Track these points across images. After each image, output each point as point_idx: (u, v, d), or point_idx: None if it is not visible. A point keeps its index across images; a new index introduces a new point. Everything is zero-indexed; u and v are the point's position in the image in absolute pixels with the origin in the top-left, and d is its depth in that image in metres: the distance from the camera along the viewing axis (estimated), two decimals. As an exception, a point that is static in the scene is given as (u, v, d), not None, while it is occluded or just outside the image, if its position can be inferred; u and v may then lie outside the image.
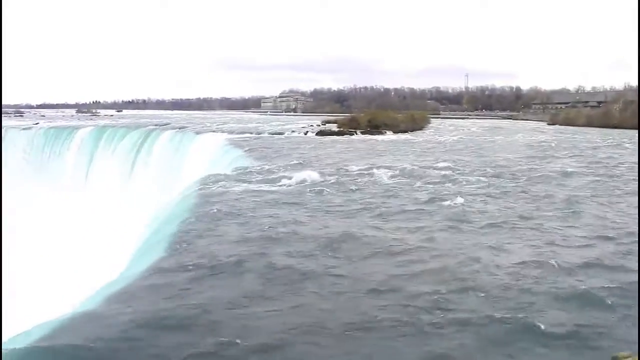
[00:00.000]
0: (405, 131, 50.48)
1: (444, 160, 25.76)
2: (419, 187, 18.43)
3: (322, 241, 11.44)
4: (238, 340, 6.92)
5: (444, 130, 55.24)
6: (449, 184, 18.88)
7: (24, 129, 56.66)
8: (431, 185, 18.55)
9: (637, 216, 13.78)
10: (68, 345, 6.72)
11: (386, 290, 8.68)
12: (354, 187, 18.15)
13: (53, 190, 42.91)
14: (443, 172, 21.53)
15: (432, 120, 74.54)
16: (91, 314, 7.77)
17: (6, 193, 41.75)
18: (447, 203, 15.45)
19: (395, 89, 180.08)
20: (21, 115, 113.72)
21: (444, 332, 7.18)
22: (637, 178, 20.44)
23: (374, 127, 49.87)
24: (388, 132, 48.55)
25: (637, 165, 24.01)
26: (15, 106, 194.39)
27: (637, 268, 9.55)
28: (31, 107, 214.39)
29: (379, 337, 7.06)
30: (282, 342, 6.93)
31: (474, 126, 64.59)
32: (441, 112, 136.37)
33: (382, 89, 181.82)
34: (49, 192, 42.33)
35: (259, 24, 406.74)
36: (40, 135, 52.49)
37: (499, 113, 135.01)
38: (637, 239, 11.47)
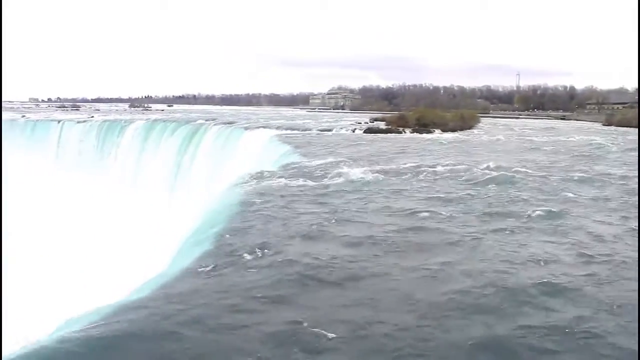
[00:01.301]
0: (454, 130, 49.73)
1: (494, 160, 25.23)
2: (468, 187, 18.09)
3: (368, 239, 11.33)
4: (279, 337, 6.90)
5: (495, 129, 54.17)
6: (502, 187, 18.48)
7: (79, 122, 58.27)
8: (480, 188, 18.17)
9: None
10: (110, 334, 6.79)
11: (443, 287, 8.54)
12: (401, 186, 17.93)
13: (105, 182, 44.06)
14: (494, 173, 21.07)
15: (482, 119, 73.26)
16: (136, 306, 7.85)
17: (61, 184, 43.09)
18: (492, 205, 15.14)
19: (445, 87, 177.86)
20: (77, 109, 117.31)
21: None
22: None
23: (423, 126, 49.30)
24: (437, 131, 47.91)
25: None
26: (72, 100, 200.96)
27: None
28: (87, 101, 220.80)
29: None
30: (325, 339, 6.87)
31: (525, 126, 63.17)
32: (491, 111, 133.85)
33: (431, 87, 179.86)
34: (100, 184, 43.47)
35: (308, 20, 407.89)
36: (95, 128, 53.89)
37: (552, 113, 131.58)
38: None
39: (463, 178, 19.68)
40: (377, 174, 19.98)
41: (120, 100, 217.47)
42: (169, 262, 11.45)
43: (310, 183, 18.00)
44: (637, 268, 9.66)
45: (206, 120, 52.12)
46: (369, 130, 46.73)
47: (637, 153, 28.24)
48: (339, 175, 19.56)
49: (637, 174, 20.83)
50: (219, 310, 7.62)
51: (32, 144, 53.76)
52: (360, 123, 55.13)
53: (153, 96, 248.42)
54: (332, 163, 23.06)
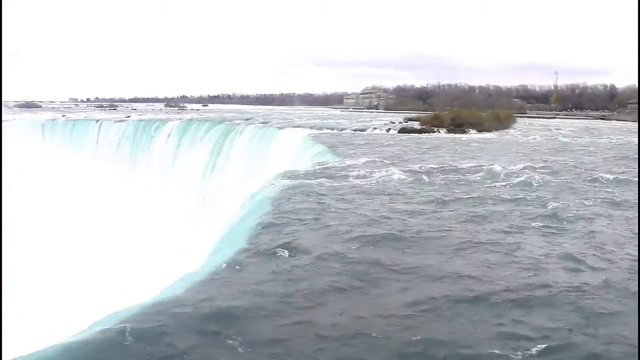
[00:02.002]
0: (489, 130, 49.07)
1: (532, 161, 24.87)
2: (504, 188, 17.88)
3: (401, 238, 11.30)
4: (315, 334, 6.92)
5: (531, 130, 53.29)
6: (537, 189, 18.20)
7: (116, 121, 59.31)
8: (518, 189, 17.93)
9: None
10: (144, 331, 6.90)
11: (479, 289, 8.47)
12: (436, 187, 17.80)
13: (141, 180, 44.78)
14: (530, 174, 20.75)
15: (518, 119, 72.21)
16: (173, 300, 7.96)
17: (99, 182, 43.96)
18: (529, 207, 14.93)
19: (480, 87, 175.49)
20: (115, 109, 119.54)
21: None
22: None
23: (458, 126, 48.75)
24: (472, 131, 47.35)
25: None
26: (110, 100, 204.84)
27: None
28: (124, 100, 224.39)
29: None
30: (359, 338, 6.88)
31: (563, 126, 61.96)
32: (527, 111, 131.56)
33: (466, 87, 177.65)
34: (137, 182, 44.20)
35: (342, 20, 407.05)
36: (131, 128, 54.78)
37: (591, 113, 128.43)
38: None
39: (499, 180, 19.44)
40: (410, 174, 19.87)
41: (156, 100, 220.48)
42: (204, 260, 11.59)
43: (344, 183, 18.00)
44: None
45: (240, 120, 52.50)
46: (403, 130, 46.45)
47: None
48: (373, 175, 19.52)
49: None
50: (252, 309, 7.67)
51: (71, 143, 54.90)
52: (395, 123, 54.80)
53: (188, 96, 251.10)
54: (366, 163, 23.00)
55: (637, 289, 8.56)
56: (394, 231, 11.90)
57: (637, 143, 37.47)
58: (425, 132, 45.30)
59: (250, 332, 7.00)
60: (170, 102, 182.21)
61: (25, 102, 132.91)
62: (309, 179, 18.52)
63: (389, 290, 8.57)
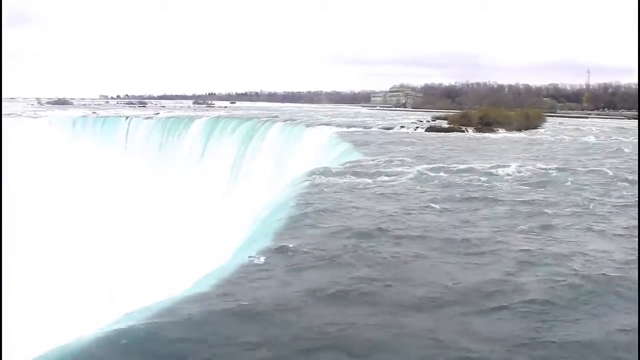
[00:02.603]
0: (519, 129, 48.43)
1: (561, 162, 24.51)
2: (529, 188, 17.63)
3: (427, 237, 11.22)
4: (336, 333, 6.91)
5: (561, 129, 52.43)
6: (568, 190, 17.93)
7: (145, 118, 60.02)
8: (545, 189, 17.68)
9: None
10: (170, 327, 6.93)
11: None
12: (462, 186, 17.64)
13: (169, 175, 45.27)
14: (563, 175, 20.43)
15: (548, 119, 71.13)
16: (198, 297, 8.01)
17: (127, 177, 44.54)
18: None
19: (510, 86, 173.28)
20: (144, 106, 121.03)
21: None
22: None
23: (486, 125, 48.28)
24: (500, 130, 46.84)
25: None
26: (139, 97, 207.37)
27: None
28: (153, 98, 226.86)
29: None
30: (382, 337, 6.84)
31: (595, 126, 60.83)
32: (558, 110, 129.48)
33: (495, 85, 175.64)
34: (165, 177, 44.69)
35: (370, 18, 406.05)
36: (160, 125, 55.38)
37: (624, 112, 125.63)
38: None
39: (525, 180, 19.19)
40: (437, 173, 19.73)
41: (184, 97, 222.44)
42: (230, 257, 11.64)
43: (370, 181, 17.95)
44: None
45: (268, 118, 52.71)
46: (430, 129, 46.17)
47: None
48: (401, 173, 19.44)
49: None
50: (277, 307, 7.68)
51: (102, 138, 55.70)
52: (422, 121, 54.46)
53: (216, 93, 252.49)
54: (392, 161, 22.90)
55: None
56: (420, 230, 11.83)
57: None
58: (453, 131, 44.95)
59: (274, 329, 7.01)
60: (198, 100, 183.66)
61: (58, 98, 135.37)
62: (335, 177, 18.50)
63: (413, 289, 8.52)
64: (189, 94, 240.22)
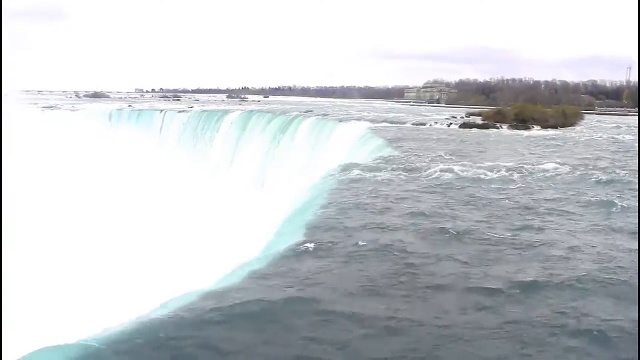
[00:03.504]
0: (554, 127, 47.58)
1: (596, 160, 24.07)
2: (574, 188, 17.37)
3: (457, 234, 11.17)
4: (371, 327, 6.94)
5: (599, 127, 51.36)
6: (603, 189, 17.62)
7: (180, 111, 60.65)
8: (589, 189, 17.40)
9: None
10: (203, 316, 7.09)
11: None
12: (494, 183, 17.47)
13: (202, 168, 45.72)
14: (594, 173, 20.08)
15: (586, 116, 69.72)
16: (229, 290, 8.11)
17: (161, 170, 45.15)
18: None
19: (546, 82, 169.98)
20: (178, 99, 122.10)
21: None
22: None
23: (521, 122, 47.59)
24: (535, 127, 46.14)
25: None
26: (173, 90, 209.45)
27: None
28: (187, 91, 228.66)
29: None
30: (410, 334, 6.86)
31: (635, 124, 59.40)
32: (596, 107, 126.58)
33: (531, 82, 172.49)
34: (198, 170, 45.15)
35: (404, 12, 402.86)
36: (194, 118, 55.90)
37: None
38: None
39: (558, 179, 18.92)
40: (470, 170, 19.56)
41: (218, 91, 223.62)
42: (262, 249, 11.74)
43: (403, 176, 17.90)
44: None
45: (301, 112, 52.78)
46: (464, 125, 45.70)
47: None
48: (434, 169, 19.31)
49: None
50: (306, 300, 7.75)
51: (137, 130, 56.42)
52: (456, 117, 53.94)
53: (250, 87, 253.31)
54: (426, 157, 22.79)
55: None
56: (450, 227, 11.76)
57: None
58: (487, 128, 44.46)
59: (303, 322, 7.08)
60: (231, 93, 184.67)
61: (94, 92, 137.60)
62: (367, 172, 18.49)
63: (444, 287, 8.50)
64: (223, 87, 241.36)
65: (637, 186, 17.19)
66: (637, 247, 10.44)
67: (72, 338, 6.55)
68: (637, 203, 14.49)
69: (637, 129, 49.05)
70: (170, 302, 7.83)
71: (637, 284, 8.63)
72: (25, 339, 8.72)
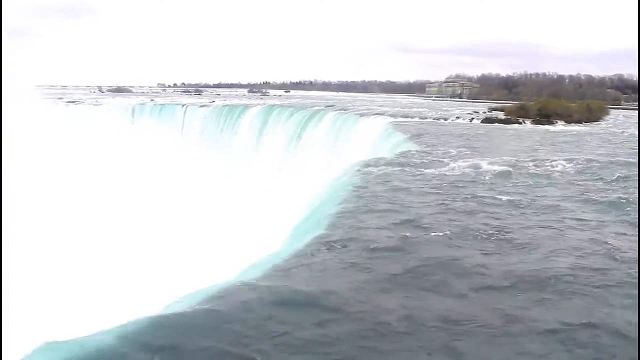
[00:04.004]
0: (579, 122, 46.98)
1: (620, 156, 23.69)
2: (600, 185, 17.14)
3: (480, 232, 11.05)
4: (391, 325, 6.91)
5: (625, 123, 50.65)
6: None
7: (201, 106, 61.02)
8: (605, 186, 17.15)
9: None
10: (220, 312, 7.07)
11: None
12: (517, 179, 17.27)
13: (224, 161, 45.96)
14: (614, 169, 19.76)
15: (612, 111, 68.70)
16: (249, 284, 8.13)
17: (183, 164, 45.51)
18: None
19: (570, 76, 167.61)
20: (200, 94, 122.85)
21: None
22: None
23: (544, 117, 47.04)
24: (559, 123, 45.57)
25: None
26: (195, 85, 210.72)
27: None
28: (209, 86, 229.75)
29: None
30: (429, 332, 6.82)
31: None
32: (623, 102, 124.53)
33: (555, 76, 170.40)
34: (220, 163, 45.39)
35: (426, 6, 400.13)
36: (216, 112, 56.21)
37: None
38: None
39: (584, 175, 18.67)
40: (493, 166, 19.38)
41: (239, 86, 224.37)
42: (282, 244, 11.77)
43: (425, 172, 17.80)
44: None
45: (322, 107, 52.78)
46: (486, 120, 45.34)
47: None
48: (454, 165, 19.19)
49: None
50: (328, 292, 7.75)
51: (159, 125, 56.86)
52: (478, 112, 53.49)
53: (271, 82, 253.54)
54: (448, 153, 22.64)
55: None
56: (474, 225, 11.65)
57: None
58: (510, 123, 44.04)
59: (322, 316, 7.07)
60: (253, 88, 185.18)
61: (117, 86, 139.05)
62: (388, 167, 18.42)
63: (465, 284, 8.43)
64: (244, 82, 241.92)
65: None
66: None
67: (101, 327, 6.63)
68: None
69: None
70: (189, 296, 7.87)
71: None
72: (48, 329, 8.84)
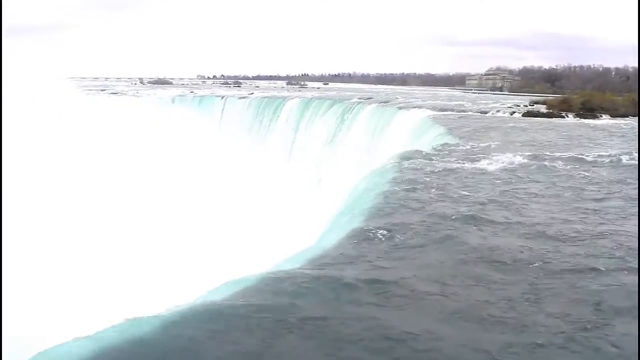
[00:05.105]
0: (625, 116, 45.69)
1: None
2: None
3: (518, 227, 10.89)
4: (433, 319, 6.87)
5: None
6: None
7: (240, 98, 61.50)
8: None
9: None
10: (257, 302, 7.17)
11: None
12: (558, 175, 16.92)
13: (262, 153, 46.31)
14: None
15: (661, 104, 66.59)
16: (288, 274, 8.17)
17: (223, 157, 45.95)
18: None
19: (617, 69, 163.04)
20: (239, 86, 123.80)
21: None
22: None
23: (589, 110, 45.89)
24: (604, 117, 44.39)
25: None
26: (234, 77, 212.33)
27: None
28: (247, 78, 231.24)
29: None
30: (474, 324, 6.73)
31: None
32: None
33: (600, 69, 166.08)
34: (258, 155, 45.73)
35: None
36: (254, 104, 56.59)
37: None
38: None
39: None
40: (532, 160, 19.03)
41: (278, 78, 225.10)
42: (319, 236, 11.77)
43: (464, 166, 17.58)
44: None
45: (360, 99, 52.59)
46: (528, 114, 44.48)
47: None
48: (493, 159, 18.90)
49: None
50: (366, 283, 7.74)
51: (198, 115, 57.56)
52: (519, 106, 52.53)
53: (309, 74, 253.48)
54: (488, 147, 22.29)
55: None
56: (511, 220, 11.50)
57: None
58: (552, 117, 43.11)
59: (360, 307, 7.06)
60: (291, 80, 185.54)
61: (158, 78, 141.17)
62: (427, 160, 18.26)
63: (507, 281, 8.30)
64: (283, 74, 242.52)
65: None
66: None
67: (140, 312, 6.74)
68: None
69: None
70: (226, 286, 7.94)
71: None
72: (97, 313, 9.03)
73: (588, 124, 39.00)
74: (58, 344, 6.13)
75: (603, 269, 8.74)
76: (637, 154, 20.30)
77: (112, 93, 67.08)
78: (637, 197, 14.01)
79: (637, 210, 12.58)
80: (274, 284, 7.72)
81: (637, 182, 16.33)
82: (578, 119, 42.85)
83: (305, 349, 6.19)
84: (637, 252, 9.44)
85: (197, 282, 9.81)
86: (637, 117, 45.95)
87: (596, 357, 6.28)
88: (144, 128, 50.28)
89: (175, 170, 40.87)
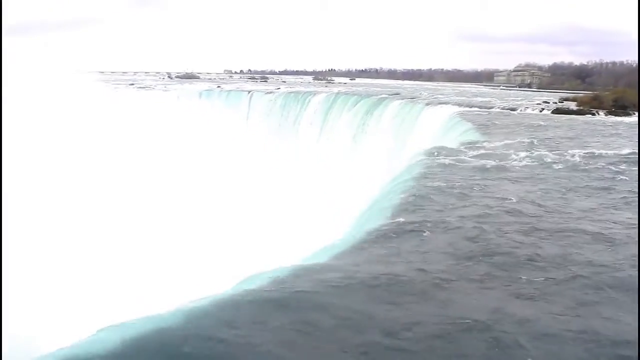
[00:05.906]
0: (659, 114, 44.85)
1: None
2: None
3: (545, 226, 10.76)
4: (446, 313, 6.85)
5: None
6: None
7: (267, 92, 61.69)
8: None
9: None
10: (288, 293, 7.25)
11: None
12: (587, 174, 16.68)
13: (289, 147, 46.44)
14: None
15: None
16: (314, 267, 8.22)
17: (250, 152, 46.25)
18: None
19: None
20: (266, 81, 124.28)
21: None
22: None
23: (620, 108, 45.03)
24: (636, 114, 43.56)
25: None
26: (261, 72, 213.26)
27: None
28: (274, 73, 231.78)
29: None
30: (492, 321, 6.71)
31: None
32: None
33: (633, 65, 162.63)
34: (284, 153, 45.87)
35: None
36: (281, 99, 56.71)
37: None
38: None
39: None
40: (563, 159, 18.80)
41: (304, 73, 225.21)
42: (347, 231, 11.79)
43: (490, 163, 17.45)
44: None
45: (387, 95, 52.37)
46: (557, 111, 43.83)
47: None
48: (521, 157, 18.71)
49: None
50: (392, 277, 7.75)
51: (225, 110, 57.88)
52: (549, 103, 51.81)
53: (336, 69, 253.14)
54: (514, 144, 22.07)
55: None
56: (539, 219, 11.38)
57: None
58: (582, 114, 42.45)
59: (386, 300, 7.08)
60: (318, 75, 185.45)
61: (186, 73, 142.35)
62: (454, 156, 18.18)
63: (525, 279, 8.24)
64: (309, 69, 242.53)
65: None
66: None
67: (163, 307, 6.83)
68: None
69: None
70: (255, 277, 8.01)
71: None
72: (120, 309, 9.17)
73: (620, 121, 38.36)
74: (83, 338, 6.20)
75: None
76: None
77: (140, 87, 67.76)
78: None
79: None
80: (306, 275, 7.82)
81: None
82: (609, 116, 42.12)
83: (334, 341, 6.22)
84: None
85: (230, 273, 9.92)
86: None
87: (597, 354, 6.23)
88: (171, 122, 50.81)
89: (201, 163, 41.20)
